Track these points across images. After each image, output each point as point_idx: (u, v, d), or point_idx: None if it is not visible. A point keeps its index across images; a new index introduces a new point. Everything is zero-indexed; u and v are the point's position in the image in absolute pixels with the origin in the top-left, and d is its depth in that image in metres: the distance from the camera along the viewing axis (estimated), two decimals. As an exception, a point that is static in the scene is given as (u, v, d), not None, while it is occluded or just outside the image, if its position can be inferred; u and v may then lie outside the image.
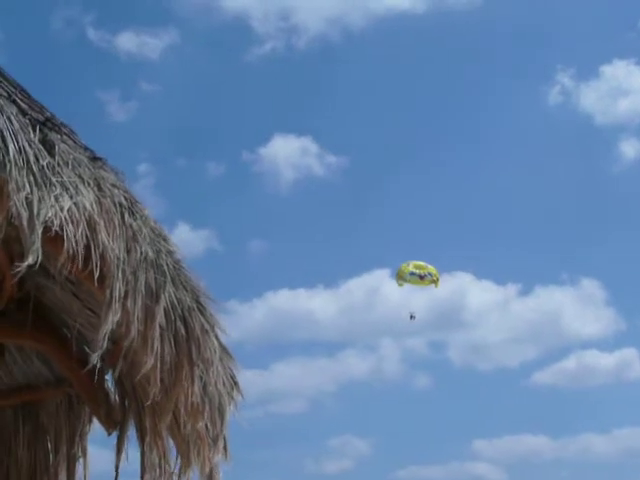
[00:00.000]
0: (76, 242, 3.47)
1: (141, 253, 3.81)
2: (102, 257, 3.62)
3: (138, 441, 4.77)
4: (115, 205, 3.75)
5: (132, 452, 4.87)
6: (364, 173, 35.45)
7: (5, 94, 3.74)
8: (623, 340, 34.10)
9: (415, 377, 33.18)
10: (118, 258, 3.68)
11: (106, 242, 3.62)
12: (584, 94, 35.51)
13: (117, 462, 4.88)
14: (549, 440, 31.29)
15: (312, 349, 36.26)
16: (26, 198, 3.34)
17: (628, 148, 36.10)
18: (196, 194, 35.10)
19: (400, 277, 20.31)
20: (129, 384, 4.71)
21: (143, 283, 3.81)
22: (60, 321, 5.01)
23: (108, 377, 5.09)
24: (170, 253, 4.08)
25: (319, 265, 35.56)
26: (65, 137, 3.82)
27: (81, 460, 5.50)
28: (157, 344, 3.88)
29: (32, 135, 3.61)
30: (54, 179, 3.50)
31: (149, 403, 4.15)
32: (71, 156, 3.71)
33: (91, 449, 5.56)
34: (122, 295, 3.70)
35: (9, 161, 3.36)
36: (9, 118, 3.52)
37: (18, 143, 3.45)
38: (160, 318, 3.89)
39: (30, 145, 3.52)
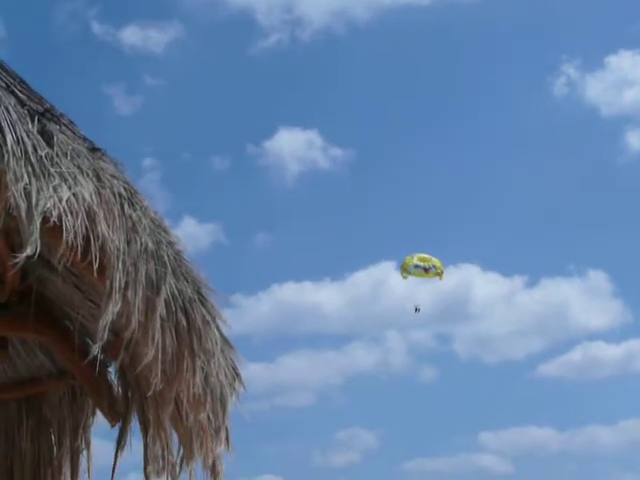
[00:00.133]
0: (75, 233, 3.45)
1: (141, 244, 3.80)
2: (102, 248, 3.61)
3: (141, 433, 4.78)
4: (115, 196, 3.74)
5: (135, 444, 4.89)
6: (369, 166, 35.43)
7: (3, 85, 3.72)
8: (629, 332, 34.02)
9: (421, 369, 33.19)
10: (118, 249, 3.67)
11: (106, 233, 3.61)
12: (590, 85, 35.45)
13: (119, 454, 4.89)
14: (555, 432, 31.31)
15: (318, 342, 36.29)
16: (24, 189, 3.33)
17: (634, 139, 36.06)
18: (201, 188, 35.16)
19: (405, 270, 20.31)
20: (132, 376, 4.71)
21: (143, 274, 3.80)
22: (62, 313, 5.01)
23: (111, 369, 5.10)
24: (171, 244, 4.07)
25: (325, 258, 35.58)
26: (64, 128, 3.81)
27: (84, 452, 5.51)
28: (158, 335, 3.88)
29: (30, 126, 3.60)
30: (52, 170, 3.48)
31: (151, 394, 4.14)
32: (70, 147, 3.70)
33: (95, 442, 5.57)
34: (122, 286, 3.69)
35: (7, 152, 3.34)
36: (7, 109, 3.50)
37: (16, 133, 3.43)
38: (161, 309, 3.88)
39: (28, 135, 3.51)
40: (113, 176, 3.81)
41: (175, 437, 4.66)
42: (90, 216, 3.56)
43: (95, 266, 3.59)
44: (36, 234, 3.28)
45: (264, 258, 34.07)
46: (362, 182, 35.10)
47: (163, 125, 33.24)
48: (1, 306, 4.77)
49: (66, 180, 3.50)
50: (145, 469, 4.70)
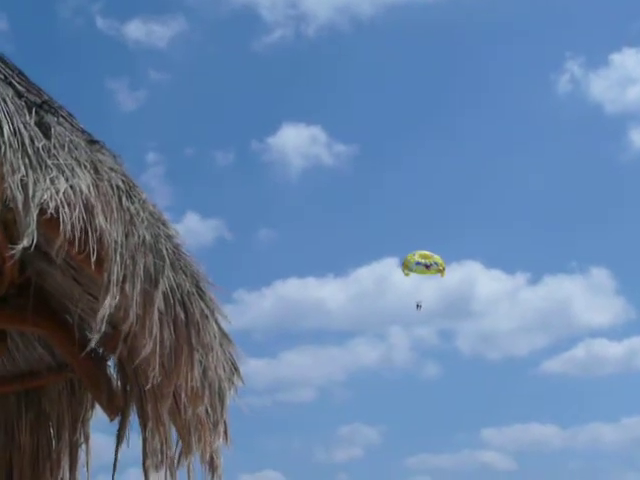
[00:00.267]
0: (72, 225, 3.44)
1: (139, 237, 3.78)
2: (99, 241, 3.59)
3: (140, 427, 4.77)
4: (112, 188, 3.72)
5: (134, 439, 4.88)
6: (373, 162, 35.40)
7: (1, 77, 3.71)
8: (632, 329, 33.90)
9: (424, 366, 33.18)
10: (116, 242, 3.65)
11: (103, 226, 3.59)
12: (593, 82, 35.36)
13: (119, 448, 4.88)
14: (558, 429, 31.32)
15: (321, 338, 36.26)
16: (21, 180, 3.31)
17: (637, 136, 36.23)
18: (205, 183, 35.15)
19: (406, 267, 20.34)
20: (130, 370, 4.70)
21: (142, 267, 3.78)
22: (61, 306, 5.00)
23: (110, 363, 5.09)
24: (169, 237, 4.05)
25: (328, 254, 35.61)
26: (62, 120, 3.79)
27: (83, 446, 5.51)
28: (156, 329, 3.86)
29: (28, 117, 3.58)
30: (50, 162, 3.46)
31: (149, 387, 4.13)
32: (67, 139, 3.68)
33: (94, 436, 5.57)
34: (120, 279, 3.67)
35: (4, 143, 3.33)
36: (4, 100, 3.48)
37: (13, 125, 3.42)
38: (159, 303, 3.86)
39: (25, 127, 3.49)
40: (111, 168, 3.79)
41: (174, 431, 4.65)
42: (88, 208, 3.54)
43: (93, 259, 3.57)
44: (33, 226, 3.27)
45: (267, 254, 34.10)
46: (365, 178, 35.13)
47: (166, 120, 33.27)
48: (0, 299, 4.76)
49: (63, 172, 3.48)
50: (144, 463, 4.69)
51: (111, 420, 5.01)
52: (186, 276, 4.08)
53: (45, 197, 3.34)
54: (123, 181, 3.81)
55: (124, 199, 3.76)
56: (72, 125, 3.86)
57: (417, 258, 20.20)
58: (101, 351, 4.99)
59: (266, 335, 32.79)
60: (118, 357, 4.80)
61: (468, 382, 32.63)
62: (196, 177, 35.53)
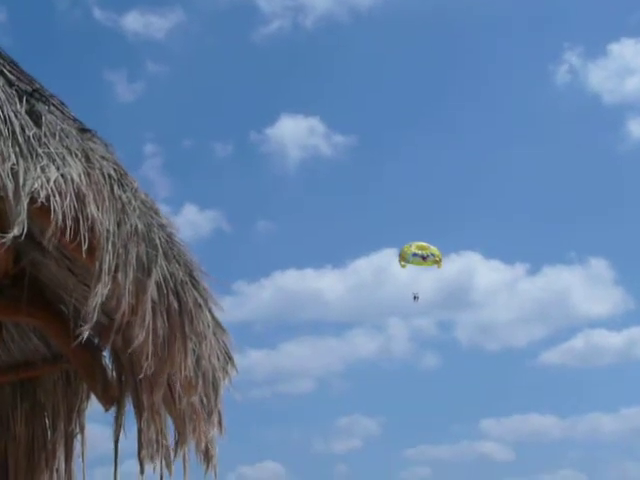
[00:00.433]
0: (64, 214, 3.42)
1: (131, 226, 3.77)
2: (91, 229, 3.57)
3: (135, 417, 4.76)
4: (104, 177, 3.70)
5: (130, 431, 4.87)
6: (371, 153, 35.32)
7: (-8, 65, 3.70)
8: (631, 319, 33.91)
9: (423, 357, 33.15)
10: (108, 231, 3.63)
11: (95, 214, 3.57)
12: (592, 73, 35.26)
13: (116, 438, 4.88)
14: (557, 419, 31.32)
15: (320, 329, 36.20)
16: (11, 169, 3.29)
17: (635, 127, 35.95)
18: (203, 175, 35.04)
19: (403, 258, 20.29)
20: (125, 359, 4.70)
21: (134, 256, 3.76)
22: (56, 297, 5.00)
23: (105, 354, 5.08)
24: (162, 226, 4.04)
25: (327, 245, 35.55)
26: (53, 108, 3.77)
27: (79, 436, 5.51)
28: (149, 318, 3.85)
29: (18, 106, 3.56)
30: (40, 150, 3.45)
31: (142, 376, 4.12)
32: (58, 127, 3.66)
33: (89, 426, 5.56)
34: (112, 268, 3.66)
35: (-6, 131, 3.32)
36: (-6, 89, 3.48)
37: (3, 113, 3.40)
38: (152, 292, 3.85)
39: (16, 115, 3.47)
40: (103, 157, 3.77)
41: (169, 421, 4.65)
42: (79, 197, 3.52)
43: (84, 247, 3.56)
44: (23, 215, 3.25)
45: (266, 245, 34.03)
46: (364, 169, 35.04)
47: (165, 111, 33.16)
48: (-6, 290, 4.76)
49: (54, 161, 3.47)
50: (139, 454, 4.69)
51: (106, 410, 5.01)
52: (179, 265, 4.06)
53: (36, 186, 3.32)
54: (115, 170, 3.79)
55: (116, 188, 3.74)
56: (63, 113, 3.84)
57: (414, 249, 20.16)
58: (96, 341, 4.99)
59: (265, 326, 32.78)
60: (113, 347, 4.81)
61: (467, 373, 32.66)
62: (194, 168, 35.45)
